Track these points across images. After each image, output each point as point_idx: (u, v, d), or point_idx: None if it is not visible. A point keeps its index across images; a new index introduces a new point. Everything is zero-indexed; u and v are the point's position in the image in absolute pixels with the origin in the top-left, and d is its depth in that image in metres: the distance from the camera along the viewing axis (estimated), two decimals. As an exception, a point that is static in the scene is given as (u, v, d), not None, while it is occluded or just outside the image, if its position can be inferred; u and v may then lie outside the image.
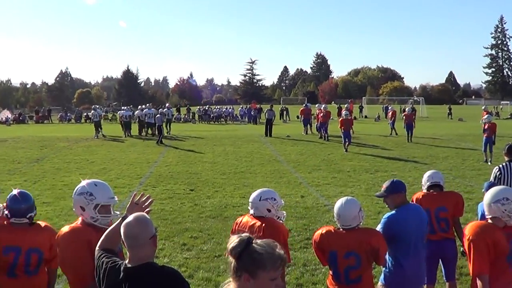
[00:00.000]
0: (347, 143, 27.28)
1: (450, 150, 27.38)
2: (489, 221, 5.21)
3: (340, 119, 29.31)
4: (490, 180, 9.21)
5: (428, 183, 7.37)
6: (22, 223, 5.37)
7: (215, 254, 9.99)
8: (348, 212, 5.54)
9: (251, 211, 5.84)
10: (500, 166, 9.29)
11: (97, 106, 47.39)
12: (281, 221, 5.91)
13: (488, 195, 5.31)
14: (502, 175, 9.17)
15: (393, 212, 6.20)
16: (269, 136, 36.23)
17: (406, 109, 34.99)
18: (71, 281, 4.69)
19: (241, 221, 5.94)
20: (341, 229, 5.60)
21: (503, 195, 5.19)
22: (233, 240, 3.03)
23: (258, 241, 3.06)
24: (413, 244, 6.06)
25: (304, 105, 43.69)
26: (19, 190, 5.49)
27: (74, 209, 4.93)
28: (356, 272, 5.50)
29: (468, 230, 5.14)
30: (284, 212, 6.06)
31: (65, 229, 4.79)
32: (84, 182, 4.88)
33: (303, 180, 18.66)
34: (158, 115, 34.72)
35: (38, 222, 5.56)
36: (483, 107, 38.47)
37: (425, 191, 7.42)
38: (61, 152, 28.27)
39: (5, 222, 5.38)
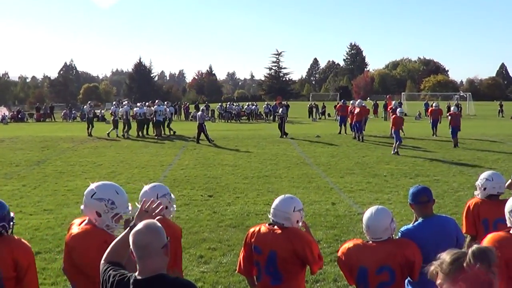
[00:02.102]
0: (397, 143, 27.18)
1: (501, 153, 27.11)
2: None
3: (393, 117, 29.14)
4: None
5: (490, 192, 7.18)
6: None
7: (236, 267, 9.95)
8: (379, 223, 5.49)
9: (276, 220, 5.78)
10: None
11: (91, 102, 47.41)
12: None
13: (509, 205, 5.19)
14: None
15: (410, 226, 6.07)
16: (284, 136, 36.18)
17: (452, 108, 34.68)
18: (84, 285, 4.75)
19: (258, 232, 5.89)
20: (371, 242, 5.56)
21: None
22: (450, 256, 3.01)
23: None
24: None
25: (341, 101, 43.36)
26: None
27: (84, 211, 5.08)
28: (389, 289, 5.45)
29: (486, 243, 4.94)
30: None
31: (77, 230, 4.97)
32: (100, 186, 5.07)
33: (335, 185, 18.63)
34: (199, 113, 34.97)
35: (5, 235, 5.07)
36: None
37: (482, 197, 7.27)
38: (65, 153, 28.50)
39: None
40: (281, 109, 38.50)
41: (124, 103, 46.75)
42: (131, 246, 3.66)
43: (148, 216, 4.23)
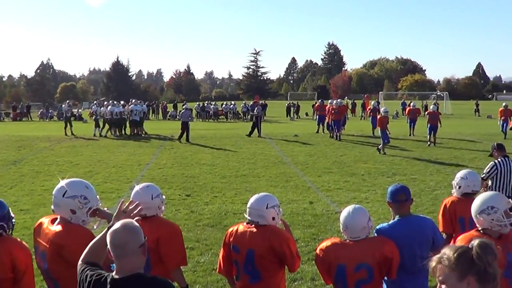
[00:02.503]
0: (385, 143, 27.26)
1: (477, 151, 27.30)
2: (482, 232, 5.27)
3: (379, 117, 29.18)
4: (482, 176, 10.29)
5: (465, 190, 7.36)
6: None
7: (213, 267, 9.95)
8: (356, 222, 5.52)
9: (251, 218, 5.81)
10: (496, 161, 10.66)
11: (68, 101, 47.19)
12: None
13: (473, 206, 5.34)
14: (498, 170, 10.53)
15: (385, 225, 6.11)
16: (258, 136, 36.19)
17: (431, 107, 34.90)
18: (71, 283, 4.77)
19: (236, 231, 5.91)
20: (349, 241, 5.59)
21: (487, 204, 5.22)
22: (452, 250, 3.09)
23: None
24: (403, 262, 5.84)
25: (320, 100, 43.43)
26: None
27: (56, 210, 5.05)
28: (367, 287, 5.48)
29: (459, 243, 4.92)
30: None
31: (60, 228, 5.00)
32: (69, 184, 5.04)
33: (312, 184, 18.68)
34: (184, 111, 35.20)
35: (5, 235, 5.11)
36: (503, 104, 37.46)
37: (458, 195, 7.42)
38: (42, 153, 28.33)
39: None
40: (256, 108, 38.53)
41: (108, 102, 46.35)
42: (108, 246, 3.65)
43: (126, 217, 4.21)
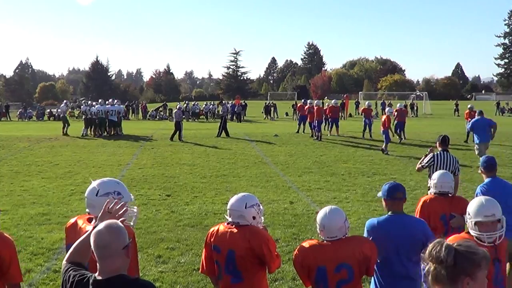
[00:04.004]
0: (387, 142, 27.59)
1: (457, 151, 27.39)
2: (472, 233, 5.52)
3: (385, 116, 28.97)
4: (422, 164, 11.93)
5: (440, 190, 7.70)
6: None
7: (194, 267, 9.94)
8: (334, 222, 5.55)
9: (232, 219, 5.81)
10: (435, 154, 11.69)
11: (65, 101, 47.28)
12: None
13: (470, 210, 5.59)
14: (435, 162, 11.53)
15: (374, 221, 6.22)
16: (226, 136, 36.22)
17: (398, 105, 35.00)
18: None
19: (217, 231, 5.89)
20: (326, 242, 5.61)
21: (483, 213, 5.47)
22: (437, 248, 3.18)
23: (456, 243, 3.24)
24: (389, 262, 5.95)
25: (302, 101, 43.43)
26: None
27: (92, 212, 5.04)
28: (348, 286, 5.50)
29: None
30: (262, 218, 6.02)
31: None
32: (101, 182, 5.16)
33: (293, 184, 18.71)
34: (176, 111, 35.42)
35: None
36: (468, 106, 37.34)
37: (434, 194, 7.70)
38: (21, 153, 28.15)
39: None
40: (221, 108, 38.61)
41: (98, 102, 46.11)
42: (92, 246, 3.64)
43: (111, 217, 4.16)
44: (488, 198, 5.68)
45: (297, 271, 5.89)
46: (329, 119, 36.92)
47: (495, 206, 5.52)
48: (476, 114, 25.58)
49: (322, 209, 5.74)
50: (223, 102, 61.68)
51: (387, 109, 30.56)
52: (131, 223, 5.22)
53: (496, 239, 5.46)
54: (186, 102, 70.14)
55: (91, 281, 3.62)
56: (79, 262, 3.97)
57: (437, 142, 12.12)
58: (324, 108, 37.26)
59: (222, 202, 15.47)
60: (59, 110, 62.81)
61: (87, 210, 5.18)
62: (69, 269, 3.87)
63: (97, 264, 3.63)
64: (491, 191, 7.99)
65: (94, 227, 3.82)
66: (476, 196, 7.84)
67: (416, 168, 12.58)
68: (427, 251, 3.21)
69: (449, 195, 7.67)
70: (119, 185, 5.16)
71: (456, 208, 7.35)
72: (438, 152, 11.77)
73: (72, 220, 5.35)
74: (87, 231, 5.14)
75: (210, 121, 60.03)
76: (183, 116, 35.57)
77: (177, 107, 36.30)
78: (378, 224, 6.07)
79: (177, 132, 34.08)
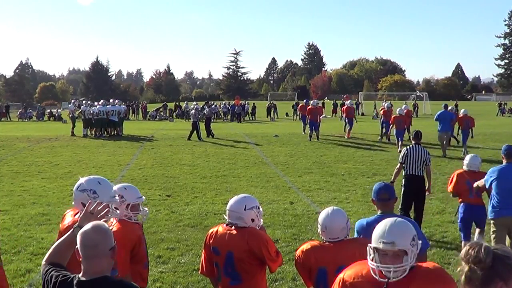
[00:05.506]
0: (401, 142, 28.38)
1: (458, 151, 27.41)
2: None
3: (396, 117, 29.81)
4: (399, 160, 12.93)
5: (468, 168, 10.95)
6: None
7: (194, 267, 9.92)
8: (335, 224, 5.50)
9: (231, 221, 5.79)
10: (407, 147, 12.88)
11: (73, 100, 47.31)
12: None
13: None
14: (407, 155, 12.64)
15: (363, 221, 6.26)
16: (210, 137, 36.21)
17: (385, 105, 34.98)
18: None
19: (216, 233, 5.87)
20: (328, 243, 5.58)
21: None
22: (475, 248, 3.13)
23: (493, 247, 3.21)
24: None
25: (304, 101, 43.35)
26: None
27: (74, 204, 5.25)
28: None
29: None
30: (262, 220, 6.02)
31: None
32: (87, 178, 5.29)
33: (293, 184, 18.70)
34: (193, 111, 35.61)
35: None
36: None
37: (466, 169, 10.94)
38: (21, 153, 28.15)
39: None
40: (206, 108, 38.58)
41: (100, 102, 46.10)
42: (78, 246, 3.62)
43: (94, 219, 4.15)
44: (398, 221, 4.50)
45: (298, 272, 5.87)
46: (346, 119, 36.64)
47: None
48: (442, 106, 28.48)
49: (324, 210, 5.70)
50: (209, 102, 61.55)
51: (398, 109, 30.39)
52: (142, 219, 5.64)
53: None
54: (195, 103, 70.36)
55: (75, 281, 3.62)
56: (59, 263, 3.96)
57: (410, 137, 13.45)
58: (342, 108, 37.41)
59: (222, 202, 15.44)
60: (59, 110, 62.98)
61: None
62: (50, 270, 3.86)
63: (81, 265, 3.63)
64: (505, 173, 9.65)
65: (75, 229, 3.89)
66: (489, 177, 9.82)
67: (397, 169, 13.26)
68: (464, 251, 3.17)
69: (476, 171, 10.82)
70: (99, 185, 5.20)
71: (479, 178, 10.24)
72: (411, 146, 12.93)
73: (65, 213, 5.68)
74: (66, 227, 5.21)
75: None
76: (199, 116, 35.51)
77: (194, 107, 36.52)
78: (367, 225, 6.04)
79: (194, 132, 34.44)
